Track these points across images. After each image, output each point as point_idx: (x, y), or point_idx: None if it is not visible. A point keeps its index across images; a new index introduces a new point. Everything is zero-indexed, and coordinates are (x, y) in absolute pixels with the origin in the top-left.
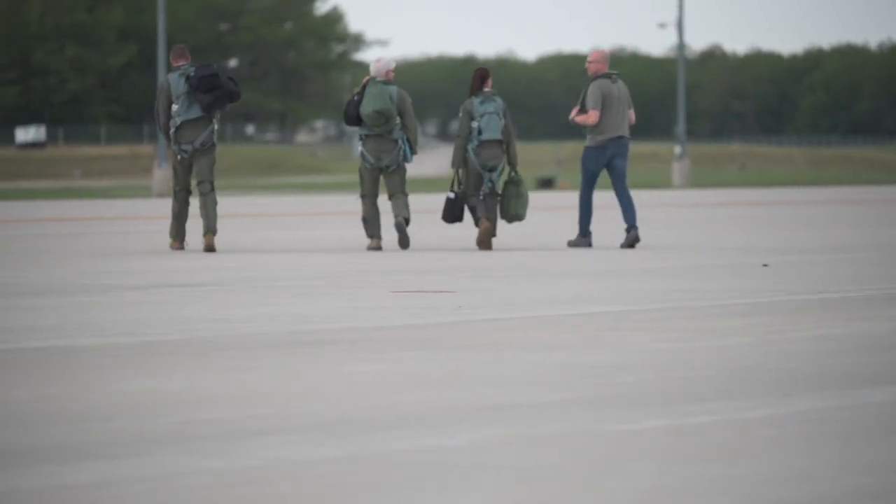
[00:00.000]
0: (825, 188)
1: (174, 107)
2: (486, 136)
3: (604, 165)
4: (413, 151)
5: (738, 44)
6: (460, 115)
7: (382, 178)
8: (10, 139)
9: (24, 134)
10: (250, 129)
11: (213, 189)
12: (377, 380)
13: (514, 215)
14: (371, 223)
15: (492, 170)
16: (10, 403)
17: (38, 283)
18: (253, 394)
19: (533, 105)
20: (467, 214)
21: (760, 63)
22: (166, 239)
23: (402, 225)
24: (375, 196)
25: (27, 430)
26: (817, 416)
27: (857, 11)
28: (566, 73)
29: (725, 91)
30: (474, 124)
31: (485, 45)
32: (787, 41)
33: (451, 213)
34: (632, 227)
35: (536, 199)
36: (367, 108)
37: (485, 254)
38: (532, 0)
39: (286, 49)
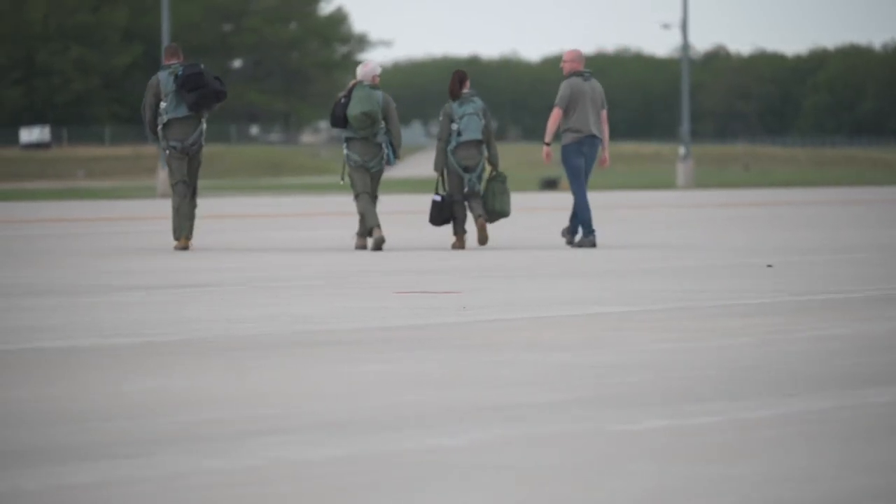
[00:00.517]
0: (829, 188)
1: (162, 104)
2: (465, 136)
3: (583, 157)
4: (396, 156)
5: (741, 44)
6: (440, 118)
7: None
8: (14, 140)
9: (28, 134)
10: (254, 129)
11: (195, 195)
12: (378, 380)
13: (499, 212)
14: (369, 218)
15: (469, 170)
16: (12, 404)
17: (39, 284)
18: (254, 394)
19: (536, 105)
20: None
21: (764, 63)
22: (169, 239)
23: (380, 246)
24: (369, 192)
25: (28, 431)
26: (818, 416)
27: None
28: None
29: (729, 91)
30: (454, 126)
31: (488, 46)
32: (791, 41)
33: (440, 216)
34: (573, 231)
35: (540, 199)
36: (354, 110)
37: (486, 254)
38: (536, 0)
39: (290, 49)
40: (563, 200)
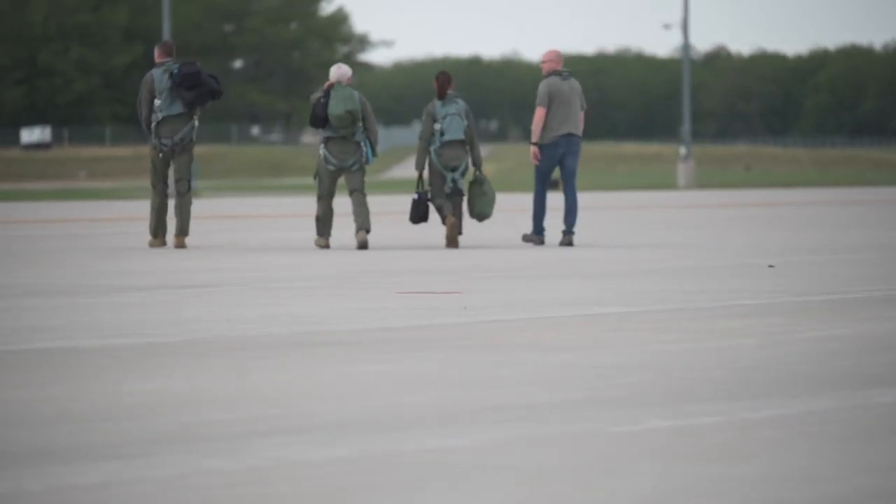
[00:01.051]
0: (830, 189)
1: (157, 102)
2: (448, 136)
3: (557, 163)
4: (374, 154)
5: (742, 44)
6: (423, 118)
7: (343, 176)
8: (16, 140)
9: (29, 135)
10: (255, 129)
11: (189, 189)
12: (379, 380)
13: (480, 213)
14: (324, 223)
15: (454, 169)
16: (12, 404)
17: (40, 284)
18: (255, 394)
19: None
20: (434, 215)
21: (765, 64)
22: (171, 239)
23: (364, 245)
24: (332, 197)
25: (29, 431)
26: (819, 416)
27: (861, 12)
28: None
29: (730, 92)
30: (437, 126)
31: (489, 46)
32: (792, 42)
33: (416, 214)
34: (569, 231)
35: None
36: (337, 110)
37: (487, 254)
38: (537, 1)
39: (291, 50)
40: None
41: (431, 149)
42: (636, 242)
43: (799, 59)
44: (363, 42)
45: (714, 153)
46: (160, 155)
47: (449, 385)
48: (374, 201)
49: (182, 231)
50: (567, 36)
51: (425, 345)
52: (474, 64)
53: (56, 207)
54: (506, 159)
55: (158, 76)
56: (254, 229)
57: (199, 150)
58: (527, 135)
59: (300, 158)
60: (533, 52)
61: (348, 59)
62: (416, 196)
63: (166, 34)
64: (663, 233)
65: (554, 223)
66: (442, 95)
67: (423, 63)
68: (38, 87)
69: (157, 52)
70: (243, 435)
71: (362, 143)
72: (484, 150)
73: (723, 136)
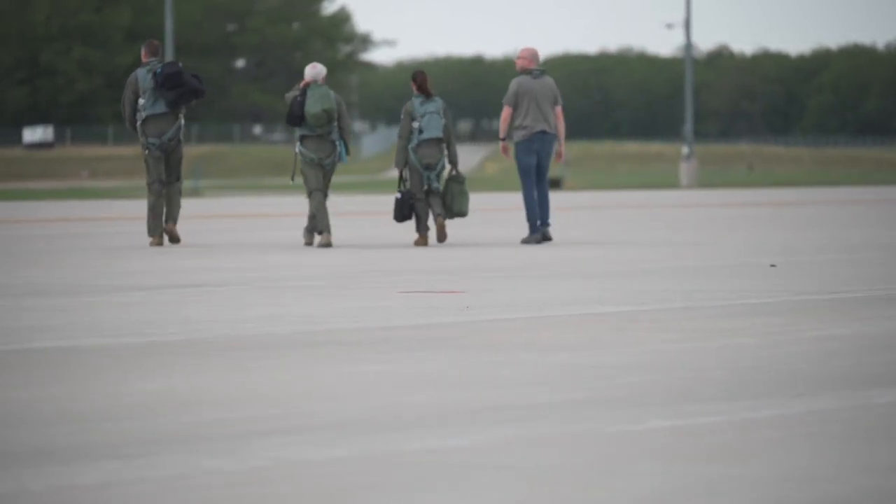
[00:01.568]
0: (832, 188)
1: (140, 101)
2: (426, 134)
3: (535, 157)
4: (347, 152)
5: (745, 44)
6: (402, 116)
7: None
8: (18, 139)
9: (32, 134)
10: (257, 129)
11: (179, 179)
12: (380, 380)
13: (458, 212)
14: (321, 217)
15: (430, 168)
16: (13, 404)
17: (41, 284)
18: (255, 394)
19: None
20: None
21: (768, 63)
22: (167, 238)
23: (328, 245)
24: (322, 189)
25: (29, 431)
26: (820, 416)
27: (864, 11)
28: (573, 74)
29: (733, 91)
30: (415, 124)
31: (492, 46)
32: (795, 41)
33: (400, 212)
34: (544, 223)
35: None
36: (314, 108)
37: (487, 254)
38: (540, 0)
39: (293, 49)
40: (566, 200)
41: (409, 147)
42: (637, 242)
43: (802, 59)
44: (365, 41)
45: (716, 152)
46: (147, 152)
47: (449, 385)
48: (375, 200)
49: (171, 218)
50: (569, 35)
51: (426, 344)
52: (476, 63)
53: (58, 207)
54: (508, 158)
55: (143, 76)
56: (256, 229)
57: (201, 149)
58: None
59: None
60: None
61: (351, 59)
62: (398, 195)
63: (169, 34)
64: (665, 232)
65: (556, 224)
66: (427, 93)
67: (425, 62)
68: (40, 86)
69: (143, 51)
70: (244, 435)
71: (337, 142)
72: (486, 149)
73: (725, 135)
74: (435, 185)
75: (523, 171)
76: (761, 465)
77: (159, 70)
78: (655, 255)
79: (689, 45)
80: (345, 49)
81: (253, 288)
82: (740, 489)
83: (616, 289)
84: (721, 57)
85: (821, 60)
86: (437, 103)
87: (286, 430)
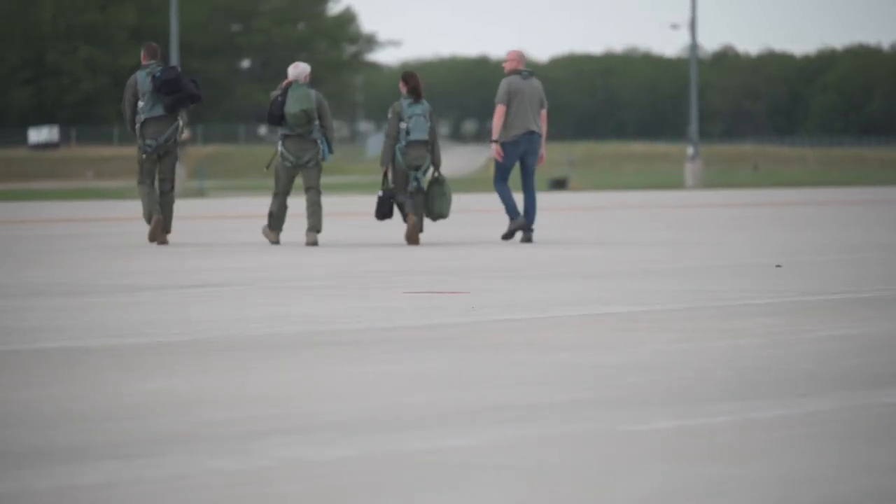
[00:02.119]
0: (837, 189)
1: (140, 104)
2: (413, 136)
3: (517, 159)
4: (330, 150)
5: (750, 44)
6: (389, 116)
7: (300, 174)
8: (23, 140)
9: (37, 134)
10: (263, 129)
11: (172, 189)
12: (382, 380)
13: (439, 214)
14: (278, 218)
15: (417, 168)
16: (15, 404)
17: (44, 284)
18: (258, 394)
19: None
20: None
21: (773, 63)
22: (174, 239)
23: (314, 243)
24: (287, 194)
25: (32, 431)
26: (824, 416)
27: (869, 12)
28: (578, 74)
29: (738, 91)
30: (403, 125)
31: (497, 46)
32: (800, 41)
33: (381, 211)
34: (528, 229)
35: (549, 199)
36: (293, 108)
37: (489, 254)
38: (544, 1)
39: (298, 50)
40: (572, 200)
41: (397, 147)
42: (641, 242)
43: (806, 59)
44: (370, 42)
45: (721, 153)
46: (144, 155)
47: (450, 385)
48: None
49: (165, 228)
50: (574, 36)
51: (427, 345)
52: (481, 64)
53: (62, 207)
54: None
55: (142, 79)
56: (259, 229)
57: (206, 149)
58: None
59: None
60: (540, 52)
61: (356, 59)
62: (380, 193)
63: (174, 34)
64: (669, 232)
65: (558, 224)
66: (419, 96)
67: (430, 62)
68: (45, 86)
69: (142, 54)
70: (245, 435)
71: (319, 141)
72: (488, 148)
73: (730, 135)
74: (420, 184)
75: (501, 173)
76: (763, 466)
77: (158, 74)
78: (657, 256)
79: (694, 46)
80: (350, 49)
81: (255, 288)
82: (742, 489)
83: (617, 289)
84: (726, 57)
85: (826, 61)
86: (423, 106)
87: (287, 430)
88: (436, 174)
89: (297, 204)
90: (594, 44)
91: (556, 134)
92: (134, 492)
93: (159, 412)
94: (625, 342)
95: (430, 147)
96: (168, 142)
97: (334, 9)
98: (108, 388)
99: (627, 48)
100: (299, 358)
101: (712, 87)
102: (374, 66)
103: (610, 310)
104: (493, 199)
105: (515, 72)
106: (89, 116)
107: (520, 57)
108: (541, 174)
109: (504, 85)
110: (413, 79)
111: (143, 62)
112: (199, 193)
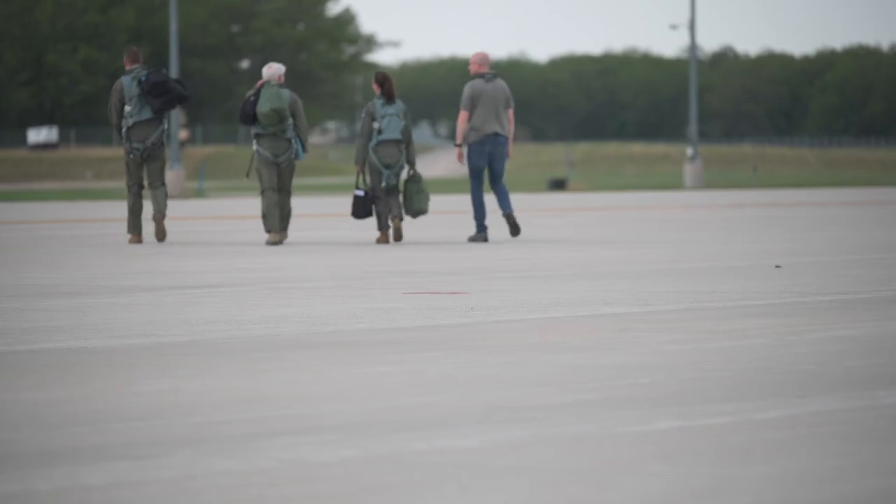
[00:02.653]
0: (837, 189)
1: (126, 108)
2: (385, 136)
3: (487, 160)
4: (304, 150)
5: (750, 45)
6: (363, 115)
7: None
8: (23, 140)
9: (36, 135)
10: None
11: (163, 184)
12: (387, 381)
13: (418, 210)
14: (271, 217)
15: (388, 167)
16: (20, 405)
17: (48, 285)
18: (263, 395)
19: (544, 106)
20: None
21: (772, 64)
22: (174, 239)
23: (276, 243)
24: (274, 189)
25: (38, 432)
26: (828, 417)
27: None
28: (578, 75)
29: (737, 92)
30: (375, 125)
31: (496, 47)
32: (799, 42)
33: (363, 209)
34: (508, 212)
35: (548, 200)
36: (264, 108)
37: (492, 255)
38: (544, 1)
39: (298, 51)
40: (571, 201)
41: (369, 146)
42: (642, 243)
43: (806, 60)
44: (370, 42)
45: (721, 153)
46: (130, 156)
47: (456, 386)
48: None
49: (159, 212)
50: (574, 36)
51: (432, 346)
52: None
53: (62, 207)
54: (513, 159)
55: (128, 83)
56: (260, 230)
57: (206, 150)
58: (534, 135)
59: (307, 159)
60: (540, 52)
61: (355, 60)
62: (360, 192)
63: (173, 35)
64: (670, 233)
65: (560, 224)
66: (392, 98)
67: (430, 63)
68: (45, 87)
69: (125, 59)
70: (251, 436)
71: (293, 140)
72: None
73: (730, 136)
74: (393, 181)
75: (474, 175)
76: (768, 466)
77: (144, 78)
78: (657, 257)
79: (693, 46)
80: (349, 50)
81: (255, 289)
82: (747, 489)
83: (621, 290)
84: (725, 58)
85: (825, 61)
86: (397, 106)
87: (293, 431)
88: (411, 172)
89: (297, 204)
90: (594, 44)
91: (555, 134)
92: (142, 492)
93: (161, 413)
94: (630, 343)
95: (405, 146)
96: (154, 145)
97: (334, 9)
98: (109, 389)
99: (627, 49)
100: (304, 359)
101: (712, 87)
102: (374, 67)
103: (610, 310)
104: (492, 200)
105: (479, 75)
106: (89, 117)
107: (484, 60)
108: (541, 174)
109: (467, 89)
110: (387, 82)
111: (127, 67)
112: (199, 194)
